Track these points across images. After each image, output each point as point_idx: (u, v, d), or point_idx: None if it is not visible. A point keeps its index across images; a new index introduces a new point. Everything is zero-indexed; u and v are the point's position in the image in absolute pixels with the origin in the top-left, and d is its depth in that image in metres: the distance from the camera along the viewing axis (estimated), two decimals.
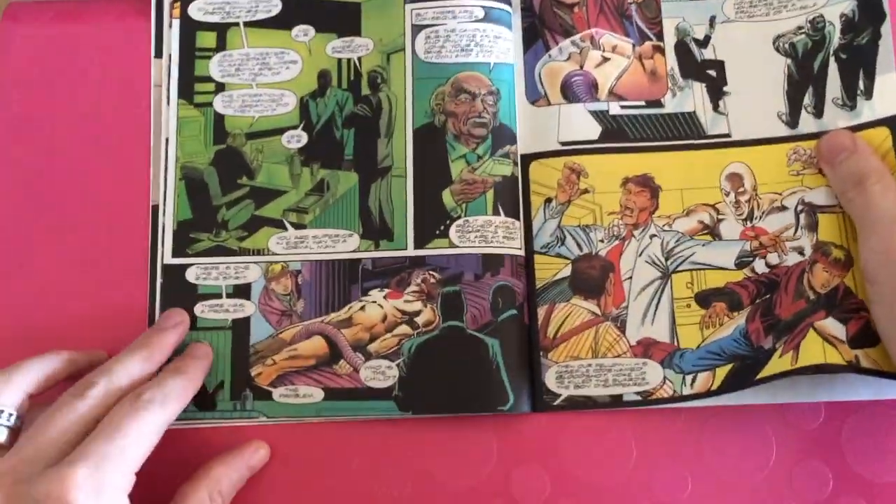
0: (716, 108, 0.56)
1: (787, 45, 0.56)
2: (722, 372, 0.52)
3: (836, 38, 0.56)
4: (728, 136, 0.55)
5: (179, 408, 0.47)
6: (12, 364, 0.47)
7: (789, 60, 0.56)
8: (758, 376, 0.51)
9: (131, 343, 0.50)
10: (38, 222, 0.55)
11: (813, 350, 0.50)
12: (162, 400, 0.45)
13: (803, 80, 0.56)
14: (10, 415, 0.45)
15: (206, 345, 0.53)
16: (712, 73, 0.56)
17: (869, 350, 0.49)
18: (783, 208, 0.54)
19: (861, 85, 0.55)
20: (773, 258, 0.53)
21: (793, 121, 0.55)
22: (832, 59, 0.56)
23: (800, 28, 0.56)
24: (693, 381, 0.52)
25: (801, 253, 0.53)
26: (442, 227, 0.54)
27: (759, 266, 0.53)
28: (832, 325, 0.50)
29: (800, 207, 0.54)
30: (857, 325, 0.50)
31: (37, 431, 0.43)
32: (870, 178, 0.50)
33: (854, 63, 0.55)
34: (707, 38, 0.57)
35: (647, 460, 0.51)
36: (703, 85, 0.56)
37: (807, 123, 0.55)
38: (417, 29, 0.57)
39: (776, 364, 0.51)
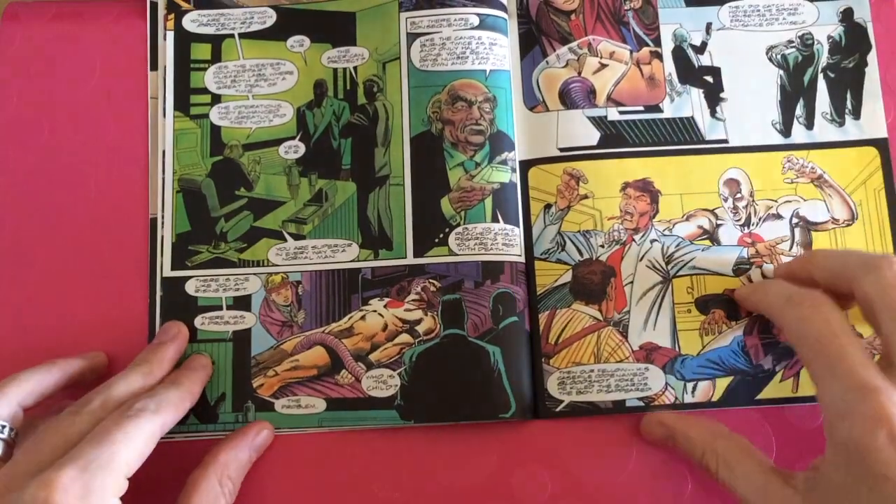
0: (713, 113, 0.56)
1: (779, 57, 0.57)
2: (722, 384, 0.52)
3: (824, 57, 0.57)
4: (725, 141, 0.56)
5: (174, 417, 0.47)
6: (7, 377, 0.47)
7: (781, 71, 0.57)
8: (759, 396, 0.52)
9: (132, 361, 0.50)
10: (36, 228, 0.55)
11: None
12: (154, 408, 0.45)
13: (794, 92, 0.57)
14: (3, 426, 0.45)
15: (204, 356, 0.53)
16: (709, 78, 0.57)
17: None
18: (778, 216, 0.55)
19: (849, 104, 0.56)
20: (768, 270, 0.54)
21: (786, 130, 0.56)
22: (821, 76, 0.57)
23: (790, 42, 0.57)
24: (694, 389, 0.52)
25: None
26: (441, 235, 0.54)
27: (756, 276, 0.54)
28: None
29: (795, 220, 0.55)
30: None
31: (31, 445, 0.43)
32: (708, 461, 0.48)
33: (842, 83, 0.57)
34: (704, 45, 0.57)
35: (647, 460, 0.52)
36: (701, 91, 0.57)
37: (799, 133, 0.56)
38: (412, 37, 0.56)
39: (777, 388, 0.52)
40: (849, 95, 0.56)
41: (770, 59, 0.57)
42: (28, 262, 0.55)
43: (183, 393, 0.48)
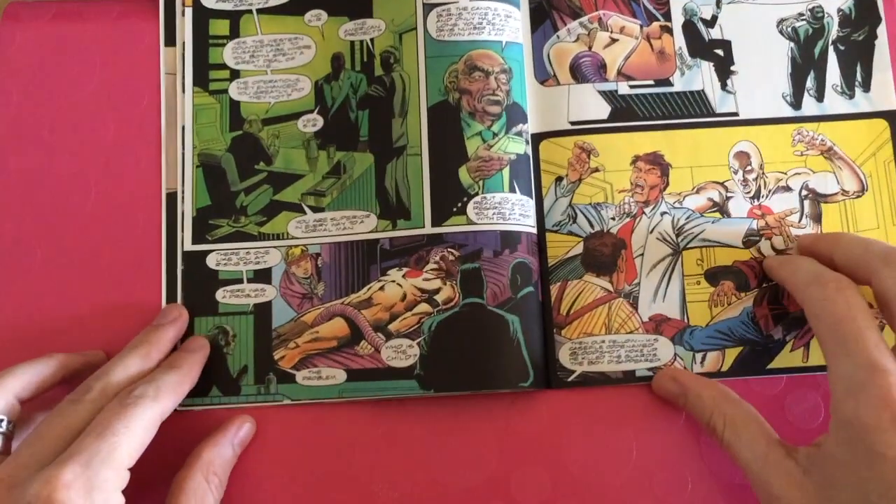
0: (724, 86, 0.57)
1: (789, 29, 0.58)
2: (732, 353, 0.53)
3: (834, 30, 0.58)
4: (736, 114, 0.56)
5: (174, 401, 0.47)
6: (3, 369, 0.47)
7: (792, 44, 0.58)
8: (769, 366, 0.53)
9: (130, 342, 0.50)
10: (42, 219, 0.55)
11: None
12: (154, 395, 0.45)
13: (805, 64, 0.57)
14: (1, 420, 0.45)
15: (202, 338, 0.53)
16: (720, 52, 0.57)
17: None
18: (788, 189, 0.56)
19: (859, 77, 0.57)
20: (778, 241, 0.55)
21: (796, 102, 0.57)
22: (831, 48, 0.58)
23: (801, 14, 0.58)
24: (703, 359, 0.53)
25: None
26: (459, 205, 0.54)
27: (766, 248, 0.55)
28: None
29: (804, 192, 0.55)
30: None
31: (33, 437, 0.43)
32: (715, 422, 0.49)
33: (852, 56, 0.57)
34: (714, 18, 0.58)
35: (647, 460, 0.52)
36: (711, 64, 0.57)
37: (809, 106, 0.57)
38: (429, 7, 0.56)
39: (788, 357, 0.53)
40: (859, 68, 0.57)
41: (781, 32, 0.58)
42: (40, 243, 0.55)
43: (181, 376, 0.48)
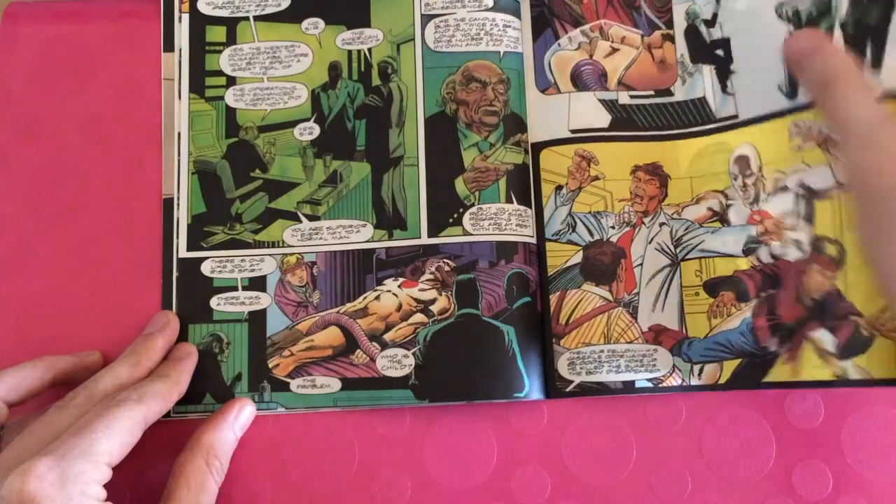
0: (724, 88, 0.56)
1: (790, 12, 0.55)
2: (730, 366, 0.52)
3: (843, 12, 0.54)
4: (735, 117, 0.55)
5: (160, 407, 0.47)
6: None
7: (791, 27, 0.55)
8: (764, 379, 0.52)
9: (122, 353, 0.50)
10: (42, 222, 0.55)
11: (809, 363, 0.51)
12: (137, 398, 0.45)
13: None
14: None
15: (189, 344, 0.53)
16: (720, 52, 0.56)
17: (857, 359, 0.50)
18: (786, 189, 0.54)
19: (869, 55, 0.53)
20: (776, 248, 0.54)
21: (792, 91, 0.54)
22: (838, 30, 0.54)
23: None
24: (701, 371, 0.53)
25: (800, 248, 0.53)
26: (455, 216, 0.54)
27: (764, 255, 0.54)
28: (823, 338, 0.51)
29: (799, 191, 0.54)
30: (846, 333, 0.51)
31: (16, 441, 0.43)
32: (836, 83, 0.48)
33: (862, 38, 0.54)
34: (715, 16, 0.57)
35: (647, 460, 0.52)
36: (712, 67, 0.56)
37: (805, 92, 0.54)
38: (427, 18, 0.57)
39: (780, 371, 0.52)
40: (869, 46, 0.53)
41: (780, 15, 0.55)
42: (39, 248, 0.55)
43: (170, 384, 0.49)
